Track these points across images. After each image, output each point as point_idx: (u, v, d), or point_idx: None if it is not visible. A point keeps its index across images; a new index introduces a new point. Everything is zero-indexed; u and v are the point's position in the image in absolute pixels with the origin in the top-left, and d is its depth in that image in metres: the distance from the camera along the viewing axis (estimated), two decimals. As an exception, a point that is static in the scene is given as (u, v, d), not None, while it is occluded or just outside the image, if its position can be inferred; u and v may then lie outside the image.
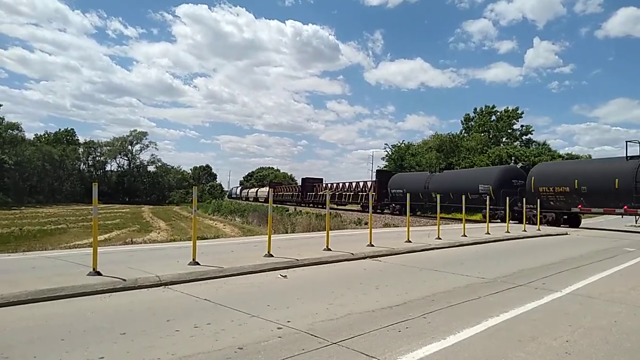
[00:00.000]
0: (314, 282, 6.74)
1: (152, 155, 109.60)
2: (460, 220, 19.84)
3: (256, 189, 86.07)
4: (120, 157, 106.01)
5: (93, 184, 6.32)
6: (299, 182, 66.14)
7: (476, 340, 4.07)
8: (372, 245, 10.21)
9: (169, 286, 5.96)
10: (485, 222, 17.15)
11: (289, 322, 4.45)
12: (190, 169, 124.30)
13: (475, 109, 65.89)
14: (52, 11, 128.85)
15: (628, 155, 19.25)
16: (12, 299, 4.84)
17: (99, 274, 5.93)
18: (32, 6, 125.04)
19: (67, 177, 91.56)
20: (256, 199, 76.23)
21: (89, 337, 3.89)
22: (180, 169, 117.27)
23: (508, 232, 15.88)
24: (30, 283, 5.38)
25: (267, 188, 69.67)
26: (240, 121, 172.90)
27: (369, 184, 41.36)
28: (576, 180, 20.20)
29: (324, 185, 52.37)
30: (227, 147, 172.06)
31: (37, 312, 4.63)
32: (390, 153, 62.72)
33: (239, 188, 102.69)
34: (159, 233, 32.07)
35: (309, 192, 52.18)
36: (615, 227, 21.33)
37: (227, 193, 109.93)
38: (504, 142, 61.11)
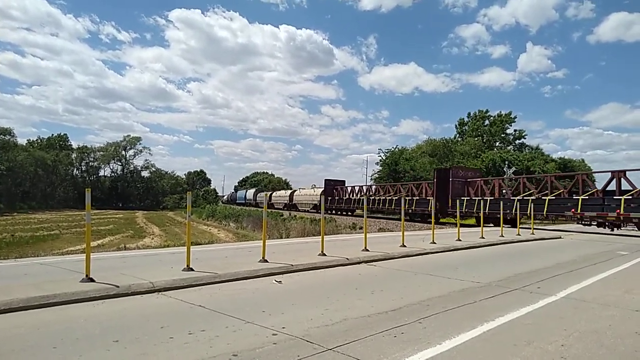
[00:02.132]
0: (309, 288, 6.72)
1: (146, 160, 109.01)
2: (454, 224, 19.89)
3: (289, 192, 63.40)
4: (114, 163, 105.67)
5: (86, 189, 6.27)
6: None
7: (472, 345, 4.07)
8: (367, 250, 10.20)
9: (163, 292, 5.91)
10: (479, 226, 17.19)
11: (284, 328, 4.43)
12: (184, 174, 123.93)
13: (469, 113, 66.63)
14: (44, 15, 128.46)
15: None
16: (4, 307, 4.77)
17: (91, 280, 5.87)
18: (23, 10, 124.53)
19: (60, 183, 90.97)
20: (291, 207, 55.66)
21: (81, 344, 3.84)
22: (174, 174, 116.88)
23: (502, 236, 15.93)
24: (22, 290, 5.31)
25: (316, 190, 52.17)
26: (234, 126, 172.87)
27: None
28: None
29: (484, 183, 29.63)
30: (221, 152, 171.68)
31: (29, 319, 4.57)
32: (384, 158, 62.97)
33: (252, 191, 79.38)
34: (152, 239, 31.89)
35: (462, 195, 29.00)
36: (608, 231, 21.48)
37: (226, 197, 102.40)
38: (497, 146, 61.62)
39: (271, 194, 67.59)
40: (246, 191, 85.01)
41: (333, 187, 47.16)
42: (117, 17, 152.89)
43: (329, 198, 43.97)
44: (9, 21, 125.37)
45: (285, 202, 59.28)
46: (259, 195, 73.87)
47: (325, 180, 48.47)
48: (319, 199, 45.48)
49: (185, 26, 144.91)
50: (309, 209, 49.97)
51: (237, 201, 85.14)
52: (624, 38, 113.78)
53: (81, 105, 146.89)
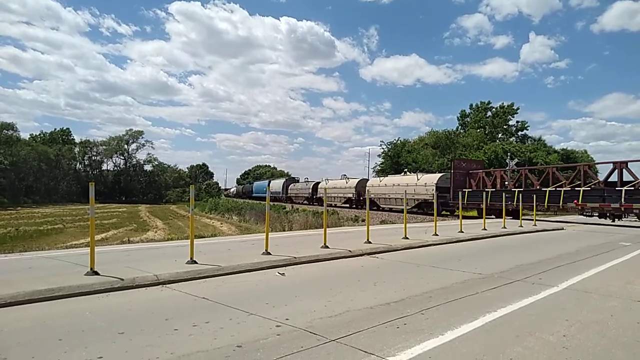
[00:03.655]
0: (312, 280, 6.76)
1: (149, 154, 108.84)
2: (457, 216, 19.89)
3: (353, 181, 42.41)
4: (117, 157, 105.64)
5: (90, 183, 6.29)
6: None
7: (474, 335, 4.09)
8: (370, 242, 10.23)
9: (167, 285, 5.95)
10: (481, 218, 17.21)
11: (287, 319, 4.46)
12: (187, 168, 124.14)
13: (471, 105, 66.34)
14: (44, 8, 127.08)
15: None
16: (10, 300, 4.82)
17: (96, 273, 5.92)
18: (22, 3, 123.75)
19: (63, 177, 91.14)
20: (359, 203, 39.37)
21: (87, 337, 3.88)
22: (177, 168, 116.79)
23: (504, 227, 15.94)
24: (27, 283, 5.36)
25: (422, 177, 33.04)
26: (236, 119, 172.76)
27: None
28: None
29: None
30: (223, 145, 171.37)
31: (35, 312, 4.62)
32: (386, 150, 62.88)
33: (279, 182, 60.98)
34: (156, 232, 31.98)
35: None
36: (609, 222, 21.46)
37: (235, 190, 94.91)
38: (500, 138, 61.40)
39: (315, 185, 49.60)
40: (269, 182, 65.71)
41: (467, 174, 28.76)
42: (117, 10, 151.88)
43: (461, 191, 24.70)
44: (8, 15, 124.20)
45: (349, 196, 41.44)
46: (292, 186, 55.73)
47: (454, 161, 31.01)
48: (430, 192, 29.11)
49: (186, 19, 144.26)
50: (409, 207, 29.76)
51: (254, 194, 67.86)
52: (628, 27, 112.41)
53: (83, 100, 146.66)
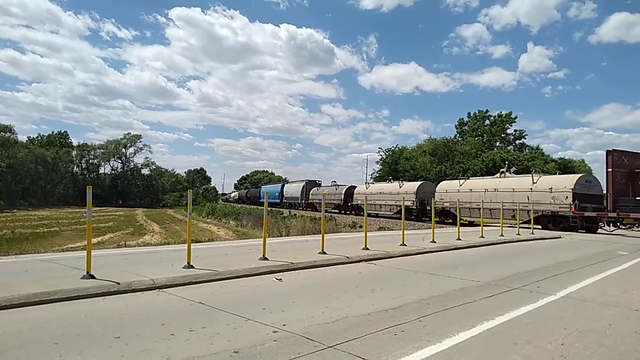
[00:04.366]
0: (309, 286, 6.73)
1: (146, 158, 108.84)
2: (454, 223, 19.90)
3: (411, 184, 34.52)
4: (114, 160, 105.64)
5: (87, 187, 6.26)
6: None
7: (472, 343, 4.08)
8: (367, 249, 10.21)
9: (164, 289, 5.92)
10: (479, 225, 17.21)
11: (284, 325, 4.44)
12: (185, 172, 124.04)
13: (469, 113, 66.45)
14: (44, 12, 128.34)
15: None
16: (5, 303, 4.79)
17: (92, 277, 5.88)
18: (23, 7, 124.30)
19: (60, 180, 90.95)
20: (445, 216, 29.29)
21: (82, 341, 3.85)
22: (175, 172, 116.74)
23: (502, 235, 15.94)
24: (23, 286, 5.33)
25: (541, 179, 23.15)
26: (234, 124, 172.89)
27: None
28: None
29: None
30: (221, 150, 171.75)
31: (31, 315, 4.58)
32: (384, 157, 62.94)
33: (297, 186, 53.11)
34: (152, 236, 31.86)
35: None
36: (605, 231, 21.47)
37: (237, 195, 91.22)
38: (498, 146, 61.52)
39: (349, 189, 41.46)
40: (283, 186, 59.25)
41: (629, 174, 20.84)
42: (118, 15, 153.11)
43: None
44: (8, 18, 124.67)
45: (407, 204, 28.96)
46: (314, 191, 47.45)
47: (612, 154, 20.63)
48: (559, 201, 21.52)
49: (186, 24, 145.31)
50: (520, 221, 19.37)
51: (263, 200, 62.63)
52: (626, 39, 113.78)
53: (81, 103, 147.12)
